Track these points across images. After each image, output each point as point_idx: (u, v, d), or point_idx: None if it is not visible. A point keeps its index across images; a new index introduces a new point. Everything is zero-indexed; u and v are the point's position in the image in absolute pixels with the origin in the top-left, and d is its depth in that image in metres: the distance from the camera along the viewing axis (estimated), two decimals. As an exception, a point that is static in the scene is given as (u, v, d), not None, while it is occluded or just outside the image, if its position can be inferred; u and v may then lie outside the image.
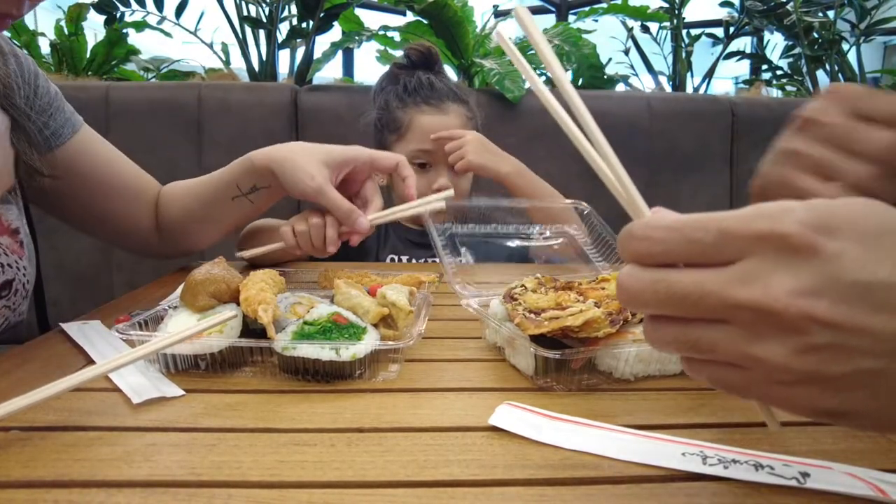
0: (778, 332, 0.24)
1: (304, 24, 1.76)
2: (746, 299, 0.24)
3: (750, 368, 0.26)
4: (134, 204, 0.81)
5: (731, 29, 2.12)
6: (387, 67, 1.27)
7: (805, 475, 0.32)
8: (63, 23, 1.79)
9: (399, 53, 1.77)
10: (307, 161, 0.68)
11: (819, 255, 0.23)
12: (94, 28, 1.89)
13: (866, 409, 0.25)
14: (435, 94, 1.16)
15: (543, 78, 1.63)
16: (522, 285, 0.56)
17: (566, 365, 0.46)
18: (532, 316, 0.48)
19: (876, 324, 0.23)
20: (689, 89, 2.11)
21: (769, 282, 0.24)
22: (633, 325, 0.48)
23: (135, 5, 1.82)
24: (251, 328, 0.51)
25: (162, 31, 1.87)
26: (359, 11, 1.76)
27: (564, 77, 0.32)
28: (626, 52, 2.16)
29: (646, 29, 2.11)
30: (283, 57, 1.89)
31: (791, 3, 1.92)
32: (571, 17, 2.11)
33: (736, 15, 2.12)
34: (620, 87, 1.95)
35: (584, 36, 1.68)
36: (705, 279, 0.25)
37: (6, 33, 0.71)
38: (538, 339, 0.47)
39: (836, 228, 0.24)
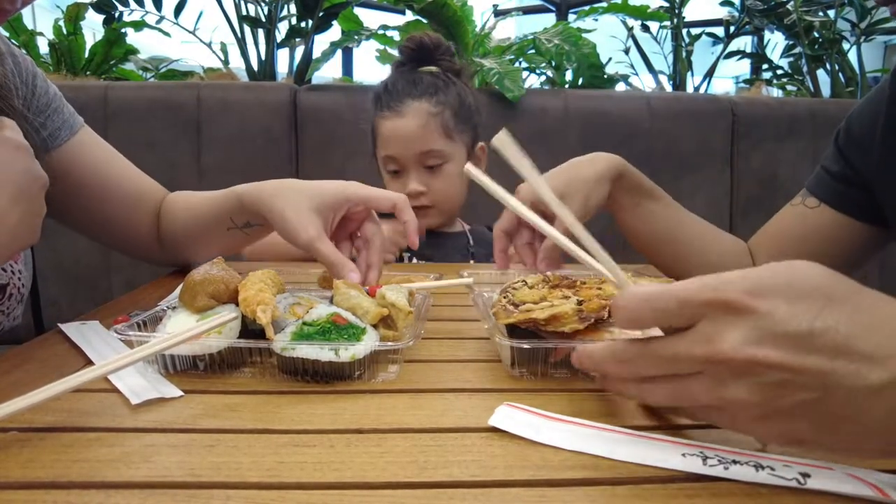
0: (736, 376, 0.31)
1: (303, 24, 1.76)
2: (706, 354, 0.31)
3: (727, 409, 0.32)
4: (133, 210, 0.79)
5: (732, 28, 2.12)
6: (386, 67, 1.26)
7: (806, 476, 0.32)
8: (61, 22, 1.79)
9: (398, 53, 1.76)
10: (297, 211, 0.64)
11: (755, 313, 0.30)
12: (93, 27, 1.89)
13: (813, 437, 0.31)
14: (395, 97, 1.11)
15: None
16: (523, 280, 0.56)
17: (539, 356, 0.47)
18: (511, 308, 0.49)
19: (809, 362, 0.29)
20: (690, 89, 2.11)
21: (720, 339, 0.30)
22: (612, 324, 0.48)
23: (133, 5, 1.82)
24: (250, 328, 0.51)
25: (161, 30, 1.87)
26: (358, 11, 1.76)
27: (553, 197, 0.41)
28: (626, 51, 2.16)
29: (646, 28, 2.11)
30: (282, 56, 1.89)
31: (791, 3, 1.92)
32: (571, 17, 2.11)
33: (736, 14, 2.11)
34: (620, 87, 1.95)
35: (584, 35, 1.68)
36: (675, 343, 0.33)
37: (4, 32, 0.70)
38: (523, 333, 0.47)
39: (767, 292, 0.30)
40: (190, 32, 1.88)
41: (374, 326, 0.51)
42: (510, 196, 0.46)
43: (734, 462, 0.33)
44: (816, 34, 1.98)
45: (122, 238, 0.81)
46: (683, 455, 0.34)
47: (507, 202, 0.45)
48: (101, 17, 1.83)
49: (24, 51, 0.72)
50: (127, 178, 0.79)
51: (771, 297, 0.30)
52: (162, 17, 1.85)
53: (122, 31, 1.81)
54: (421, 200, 1.11)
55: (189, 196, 0.81)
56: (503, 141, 0.40)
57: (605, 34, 2.00)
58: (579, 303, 0.48)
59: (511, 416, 0.40)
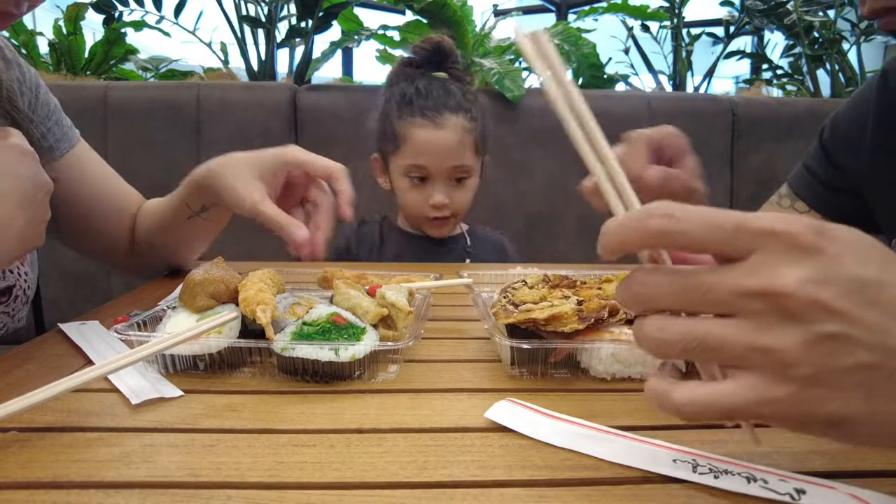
0: (788, 320, 0.26)
1: (302, 24, 1.76)
2: (757, 286, 0.26)
3: (755, 366, 0.27)
4: (114, 223, 0.80)
5: (732, 28, 2.13)
6: (386, 67, 1.24)
7: (800, 492, 0.31)
8: (61, 22, 1.79)
9: (398, 53, 1.76)
10: (240, 179, 0.65)
11: (823, 253, 0.26)
12: (93, 27, 1.89)
13: (863, 413, 0.26)
14: (431, 105, 1.10)
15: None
16: (523, 280, 0.56)
17: (539, 356, 0.47)
18: (511, 308, 0.49)
19: (872, 317, 0.26)
20: (690, 89, 2.11)
21: (779, 272, 0.26)
22: (612, 324, 0.48)
23: (133, 5, 1.82)
24: (250, 328, 0.51)
25: (160, 30, 1.87)
26: (358, 10, 1.76)
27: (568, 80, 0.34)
28: (626, 51, 2.16)
29: (646, 28, 2.11)
30: (282, 56, 1.89)
31: (791, 3, 1.92)
32: (571, 17, 2.11)
33: (736, 14, 2.12)
34: (620, 87, 1.95)
35: (584, 35, 1.68)
36: (717, 271, 0.27)
37: (5, 33, 0.70)
38: (523, 333, 0.47)
39: (834, 236, 0.27)
40: (190, 32, 1.88)
41: (374, 326, 0.51)
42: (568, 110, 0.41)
43: (725, 472, 0.33)
44: (816, 34, 1.98)
45: (100, 249, 0.81)
46: (675, 461, 0.34)
47: (563, 115, 0.40)
48: (101, 17, 1.83)
49: (24, 52, 0.72)
50: (113, 192, 0.80)
51: (838, 242, 0.27)
52: (162, 17, 1.85)
53: (122, 31, 1.81)
54: (443, 212, 1.12)
55: (154, 200, 0.81)
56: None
57: (605, 34, 2.00)
58: (579, 303, 0.48)
59: (511, 411, 0.40)
